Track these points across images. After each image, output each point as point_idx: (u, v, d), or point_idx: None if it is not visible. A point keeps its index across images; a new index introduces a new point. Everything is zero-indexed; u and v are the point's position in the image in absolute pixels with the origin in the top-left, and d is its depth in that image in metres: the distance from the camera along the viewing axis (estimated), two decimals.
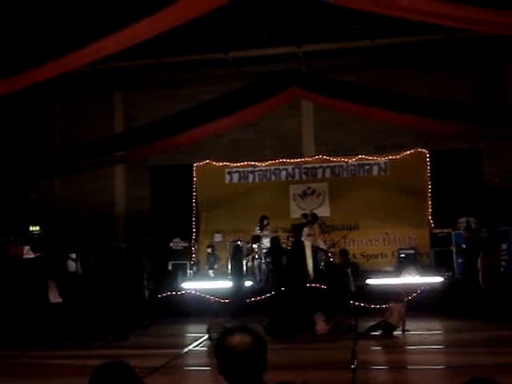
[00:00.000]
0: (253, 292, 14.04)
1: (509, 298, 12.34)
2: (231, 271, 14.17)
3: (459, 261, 14.22)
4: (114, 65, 16.19)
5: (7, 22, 14.18)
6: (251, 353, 2.37)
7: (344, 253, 13.75)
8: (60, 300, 11.25)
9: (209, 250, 16.07)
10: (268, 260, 14.37)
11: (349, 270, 13.33)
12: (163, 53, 16.58)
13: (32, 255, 12.63)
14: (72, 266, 12.71)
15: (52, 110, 19.05)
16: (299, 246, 12.94)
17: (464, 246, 13.82)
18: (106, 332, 11.39)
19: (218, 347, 2.45)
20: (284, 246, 14.05)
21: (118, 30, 8.95)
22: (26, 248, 14.08)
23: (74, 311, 11.60)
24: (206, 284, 14.76)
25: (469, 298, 12.47)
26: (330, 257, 15.04)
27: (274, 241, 13.43)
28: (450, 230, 15.00)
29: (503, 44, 15.40)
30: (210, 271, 15.81)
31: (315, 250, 14.95)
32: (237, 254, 14.29)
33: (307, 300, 12.42)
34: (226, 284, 14.34)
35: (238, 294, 13.51)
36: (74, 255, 12.84)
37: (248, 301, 13.55)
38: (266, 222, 15.14)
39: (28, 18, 14.18)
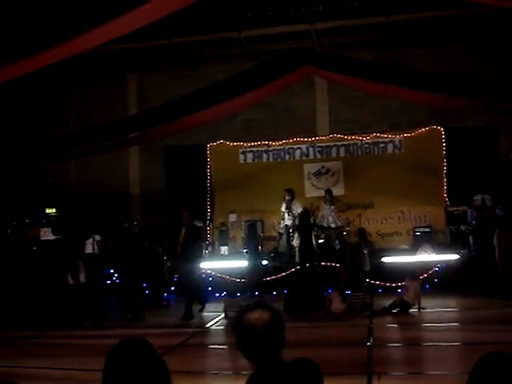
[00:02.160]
0: (268, 271, 14.11)
1: None
2: (247, 250, 14.20)
3: (471, 240, 14.18)
4: (127, 46, 16.20)
5: (19, 5, 14.18)
6: (269, 329, 2.39)
7: (362, 232, 13.73)
8: (84, 280, 11.40)
9: (222, 228, 16.13)
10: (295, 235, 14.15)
11: (366, 250, 13.34)
12: (176, 33, 16.52)
13: (51, 237, 12.73)
14: (89, 247, 12.83)
15: (66, 93, 19.10)
16: (306, 227, 12.89)
17: (473, 223, 13.82)
18: (123, 311, 11.52)
19: (236, 323, 2.47)
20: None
21: (129, 10, 8.91)
22: (44, 230, 14.20)
23: (92, 291, 11.76)
24: (221, 264, 14.82)
25: (484, 276, 12.44)
26: (345, 235, 15.02)
27: (302, 215, 13.19)
28: (466, 207, 14.91)
29: None
30: (222, 248, 15.85)
31: (328, 227, 14.98)
32: (252, 233, 14.32)
33: (320, 278, 12.46)
34: (241, 263, 14.40)
35: (254, 272, 13.55)
36: (97, 236, 13.00)
37: (263, 280, 13.64)
38: (287, 198, 15.05)
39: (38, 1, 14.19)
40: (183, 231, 12.10)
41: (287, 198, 14.96)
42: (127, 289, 11.68)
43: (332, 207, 15.28)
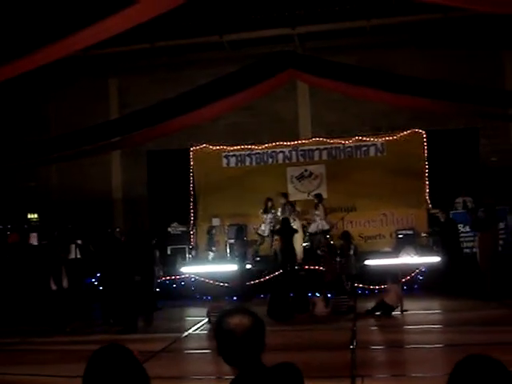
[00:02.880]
0: (254, 274, 14.13)
1: (507, 277, 12.40)
2: (235, 254, 14.19)
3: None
4: (109, 50, 16.12)
5: (4, 7, 14.06)
6: (249, 334, 2.38)
7: (346, 235, 13.78)
8: (67, 286, 11.29)
9: (211, 232, 16.09)
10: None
11: (351, 252, 13.38)
12: (158, 37, 16.48)
13: (35, 243, 12.63)
14: (72, 252, 12.72)
15: (47, 97, 18.97)
16: (287, 230, 12.97)
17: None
18: (106, 317, 11.44)
19: (216, 328, 2.46)
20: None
21: (111, 14, 8.86)
22: (32, 235, 14.09)
23: (75, 297, 11.65)
24: (205, 268, 14.79)
25: (467, 278, 12.54)
26: (328, 238, 15.06)
27: (284, 221, 13.32)
28: (448, 210, 15.00)
29: (499, 23, 15.33)
30: (210, 254, 15.82)
31: (316, 232, 15.02)
32: (240, 237, 14.32)
33: (303, 281, 12.49)
34: (225, 267, 14.40)
35: (243, 276, 13.57)
36: (79, 241, 12.88)
37: (248, 283, 13.66)
38: (270, 204, 15.28)
39: (18, 5, 14.06)
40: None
41: (282, 201, 15.05)
42: (109, 294, 11.59)
43: (318, 211, 15.27)
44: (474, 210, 13.82)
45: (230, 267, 14.16)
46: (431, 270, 13.62)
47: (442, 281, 13.10)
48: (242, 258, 13.81)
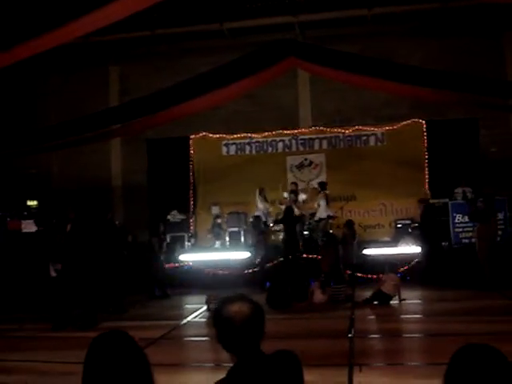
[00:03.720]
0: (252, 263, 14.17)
1: (506, 267, 12.43)
2: (253, 243, 14.19)
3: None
4: (109, 37, 16.07)
5: None
6: (249, 322, 2.39)
7: (350, 224, 13.78)
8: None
9: (218, 221, 16.06)
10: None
11: (355, 242, 13.42)
12: (158, 24, 16.41)
13: (32, 229, 12.60)
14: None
15: (47, 85, 18.91)
16: (290, 219, 12.97)
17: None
18: (105, 305, 11.44)
19: (215, 316, 2.47)
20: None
21: (111, 1, 8.81)
22: (25, 222, 14.07)
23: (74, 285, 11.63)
24: (204, 256, 14.83)
25: (465, 268, 12.59)
26: (327, 227, 15.07)
27: (287, 210, 13.35)
28: (447, 200, 15.02)
29: (498, 12, 15.29)
30: (217, 242, 15.83)
31: (318, 220, 15.02)
32: (257, 226, 14.33)
33: (302, 270, 12.51)
34: (223, 255, 14.47)
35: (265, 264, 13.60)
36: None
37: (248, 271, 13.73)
38: (262, 194, 15.43)
39: None
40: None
41: (292, 188, 15.06)
42: (108, 282, 11.57)
43: (320, 200, 15.23)
44: (473, 201, 13.81)
45: (242, 255, 14.29)
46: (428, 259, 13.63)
47: (439, 270, 13.12)
48: (265, 246, 13.82)
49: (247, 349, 2.40)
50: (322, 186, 15.39)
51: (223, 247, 15.57)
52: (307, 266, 13.16)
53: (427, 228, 13.58)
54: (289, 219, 13.04)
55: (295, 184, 15.38)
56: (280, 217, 14.02)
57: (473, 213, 12.98)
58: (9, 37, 9.74)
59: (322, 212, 15.02)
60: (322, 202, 15.02)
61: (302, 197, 14.85)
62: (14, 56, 9.77)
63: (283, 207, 14.17)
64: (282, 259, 13.11)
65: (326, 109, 17.52)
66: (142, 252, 13.51)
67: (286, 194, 14.91)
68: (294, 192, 14.81)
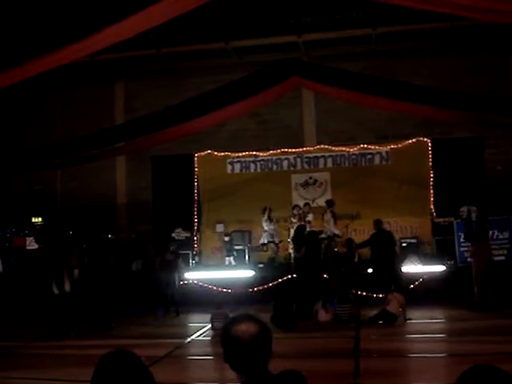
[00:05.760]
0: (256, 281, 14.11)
1: (508, 287, 12.35)
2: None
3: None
4: (115, 55, 16.21)
5: (7, 14, 14.14)
6: (256, 342, 2.38)
7: (349, 243, 13.69)
8: (69, 289, 11.26)
9: (226, 239, 15.95)
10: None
11: (356, 260, 13.31)
12: (164, 43, 16.55)
13: (35, 246, 12.63)
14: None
15: (53, 101, 19.04)
16: (314, 238, 12.79)
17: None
18: (91, 322, 11.38)
19: (223, 336, 2.46)
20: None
21: (117, 21, 8.89)
22: (29, 239, 14.10)
23: (76, 301, 11.62)
24: (209, 274, 14.78)
25: (463, 288, 12.48)
26: (333, 246, 15.01)
27: (298, 229, 13.17)
28: (452, 218, 14.98)
29: (504, 32, 15.36)
30: (228, 259, 15.71)
31: (326, 237, 14.94)
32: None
33: (308, 289, 12.39)
34: (228, 274, 14.41)
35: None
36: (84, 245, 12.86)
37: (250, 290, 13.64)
38: (268, 213, 15.36)
39: (27, 10, 14.14)
40: None
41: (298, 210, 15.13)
42: (98, 299, 11.54)
43: (327, 218, 15.19)
44: (469, 220, 13.72)
45: (246, 273, 14.32)
46: (434, 278, 13.56)
47: (446, 289, 13.01)
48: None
49: (255, 368, 2.39)
50: (330, 203, 15.35)
51: (232, 265, 15.47)
52: (313, 285, 13.06)
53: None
54: (299, 238, 12.86)
55: (308, 205, 15.43)
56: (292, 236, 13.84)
57: (468, 233, 12.91)
58: (17, 54, 9.87)
59: (329, 230, 14.97)
60: (330, 220, 14.98)
61: (309, 217, 14.82)
62: (22, 73, 9.88)
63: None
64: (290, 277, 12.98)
65: (331, 127, 17.58)
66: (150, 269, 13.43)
67: (310, 216, 14.97)
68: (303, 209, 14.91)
